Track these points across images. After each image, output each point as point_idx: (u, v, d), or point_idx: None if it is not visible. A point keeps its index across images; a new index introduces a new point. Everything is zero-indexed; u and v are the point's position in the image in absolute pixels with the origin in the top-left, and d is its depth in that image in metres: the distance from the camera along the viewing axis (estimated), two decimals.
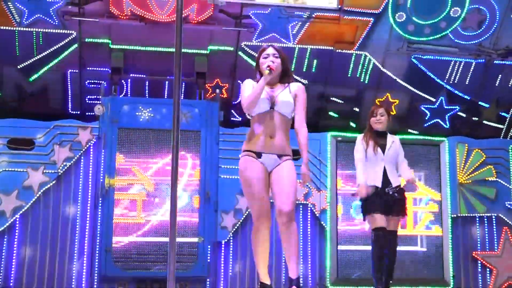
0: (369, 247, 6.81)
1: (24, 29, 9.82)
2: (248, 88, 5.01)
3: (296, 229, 4.91)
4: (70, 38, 10.02)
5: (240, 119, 10.75)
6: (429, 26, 10.65)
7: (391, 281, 6.74)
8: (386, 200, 6.72)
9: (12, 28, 9.79)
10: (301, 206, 9.64)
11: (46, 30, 9.88)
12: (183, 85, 10.39)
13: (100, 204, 8.99)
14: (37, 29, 9.86)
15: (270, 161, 4.87)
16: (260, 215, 4.86)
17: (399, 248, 7.07)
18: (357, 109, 11.12)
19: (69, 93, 10.40)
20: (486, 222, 10.32)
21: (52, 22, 9.80)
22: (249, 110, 4.94)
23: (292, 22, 10.33)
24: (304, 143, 5.03)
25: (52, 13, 9.77)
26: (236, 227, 9.46)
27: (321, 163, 9.87)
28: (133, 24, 9.96)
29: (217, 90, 9.92)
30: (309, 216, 9.72)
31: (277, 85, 5.03)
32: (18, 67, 10.06)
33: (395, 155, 6.92)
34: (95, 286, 8.92)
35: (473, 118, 11.43)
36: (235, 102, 10.81)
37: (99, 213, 8.98)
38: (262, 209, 4.85)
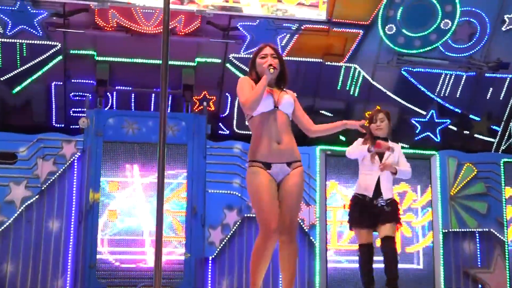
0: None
1: (8, 40, 9.80)
2: (247, 86, 4.86)
3: (296, 249, 4.81)
4: (54, 49, 10.00)
5: (227, 132, 10.75)
6: (419, 39, 10.72)
7: (396, 280, 6.42)
8: (374, 213, 6.46)
9: None
10: None
11: (30, 42, 9.87)
12: (170, 97, 10.39)
13: (84, 219, 8.94)
14: (21, 41, 9.85)
15: (280, 171, 4.78)
16: (268, 231, 4.65)
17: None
18: None
19: (53, 105, 10.37)
20: (477, 237, 10.34)
21: (36, 33, 9.78)
22: (252, 109, 4.76)
23: (281, 34, 10.37)
24: (327, 124, 5.25)
25: (36, 24, 9.76)
26: (223, 243, 9.43)
27: (310, 177, 9.87)
28: (119, 36, 9.96)
29: (205, 103, 9.92)
30: (297, 232, 9.68)
31: (274, 87, 4.98)
32: (1, 79, 10.02)
33: (394, 163, 6.61)
34: None
35: (464, 132, 11.49)
36: (223, 115, 10.81)
37: (83, 228, 8.93)
38: (271, 223, 4.65)
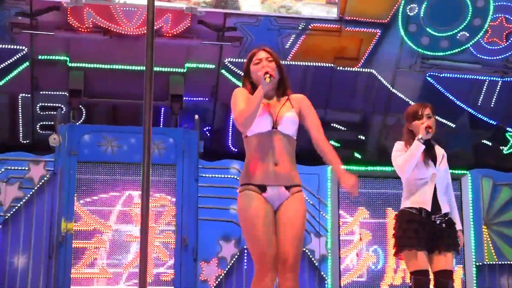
0: None
1: None
2: (241, 99, 4.81)
3: (298, 286, 4.80)
4: (20, 54, 10.03)
5: (223, 150, 10.75)
6: (447, 39, 10.75)
7: None
8: (432, 232, 5.97)
9: None
10: None
11: None
12: (155, 110, 10.40)
13: (55, 254, 8.92)
14: None
15: (277, 195, 4.73)
16: (265, 264, 4.63)
17: None
18: (362, 137, 11.17)
19: (19, 120, 10.37)
20: None
21: None
22: (246, 126, 4.71)
23: (284, 35, 10.40)
24: (333, 154, 5.03)
25: None
26: (219, 280, 9.41)
27: (321, 202, 9.86)
28: (95, 38, 9.99)
29: (196, 116, 9.93)
30: (306, 266, 9.69)
31: (273, 98, 4.94)
32: None
33: (446, 172, 6.13)
34: None
35: (500, 147, 11.49)
36: (218, 130, 10.81)
37: (54, 265, 8.91)
38: (267, 256, 4.61)
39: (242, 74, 5.04)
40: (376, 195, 10.23)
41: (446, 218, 5.99)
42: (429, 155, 6.05)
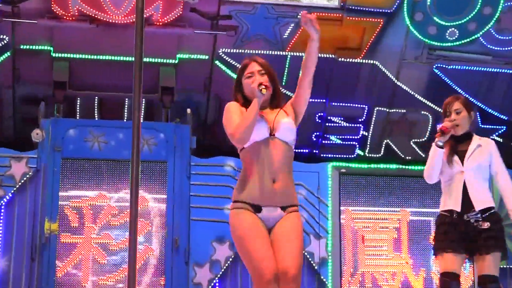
0: None
1: None
2: (235, 113, 4.85)
3: None
4: (1, 44, 10.03)
5: (217, 146, 10.75)
6: (455, 28, 10.76)
7: None
8: (465, 233, 5.94)
9: None
10: None
11: None
12: (145, 103, 10.41)
13: (38, 256, 8.94)
14: None
15: (272, 216, 4.75)
16: (265, 279, 4.60)
17: None
18: (365, 133, 11.19)
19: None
20: None
21: None
22: (243, 141, 4.75)
23: (282, 24, 10.41)
24: None
25: None
26: (213, 284, 9.44)
27: (321, 202, 9.89)
28: (81, 27, 9.99)
29: (188, 110, 9.94)
30: (305, 269, 9.71)
31: (267, 108, 4.96)
32: None
33: (483, 164, 6.08)
34: None
35: None
36: (211, 125, 10.82)
37: (37, 268, 8.92)
38: (267, 273, 4.58)
39: (233, 88, 5.04)
40: (379, 195, 10.25)
41: (486, 215, 5.94)
42: (454, 153, 6.06)
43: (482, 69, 11.19)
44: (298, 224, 4.76)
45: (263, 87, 4.75)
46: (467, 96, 11.04)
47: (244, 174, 4.81)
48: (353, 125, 11.09)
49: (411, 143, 11.13)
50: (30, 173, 9.20)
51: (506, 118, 11.47)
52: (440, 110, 10.84)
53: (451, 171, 6.02)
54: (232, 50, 10.42)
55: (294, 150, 4.89)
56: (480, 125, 11.30)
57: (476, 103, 11.29)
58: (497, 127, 11.48)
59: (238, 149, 4.89)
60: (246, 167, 4.81)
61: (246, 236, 4.67)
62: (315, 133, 11.03)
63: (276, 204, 4.74)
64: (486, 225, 5.89)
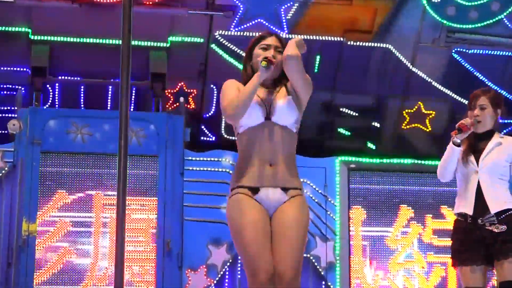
0: None
1: None
2: (232, 90, 4.83)
3: None
4: None
5: (213, 138, 10.74)
6: (476, 9, 10.74)
7: None
8: (480, 239, 5.92)
9: None
10: None
11: None
12: (134, 91, 10.39)
13: (15, 261, 8.92)
14: None
15: (272, 198, 4.69)
16: (259, 278, 4.61)
17: None
18: (377, 124, 11.16)
19: None
20: None
21: None
22: (236, 117, 4.74)
23: (286, 4, 10.38)
24: None
25: None
26: None
27: (328, 200, 9.86)
28: (62, 7, 9.96)
29: (181, 99, 9.91)
30: (310, 274, 9.70)
31: (269, 88, 4.92)
32: None
33: (500, 163, 6.05)
34: None
35: None
36: (207, 115, 10.80)
37: (14, 273, 8.90)
38: (262, 269, 4.60)
39: (244, 55, 5.00)
40: (392, 193, 10.22)
41: (502, 217, 5.91)
42: (471, 151, 6.06)
43: (506, 53, 11.17)
44: (302, 214, 4.74)
45: (267, 61, 4.69)
46: (488, 83, 11.05)
47: (239, 161, 4.83)
48: (363, 116, 11.06)
49: (428, 136, 11.10)
50: (6, 169, 9.17)
51: None
52: (459, 99, 10.97)
53: (466, 171, 6.03)
54: (230, 33, 10.39)
55: (298, 142, 4.85)
56: (499, 121, 11.26)
57: (499, 91, 11.25)
58: None
59: (235, 133, 4.88)
60: (241, 154, 4.83)
61: (242, 227, 4.66)
62: (322, 125, 11.01)
63: (276, 185, 4.73)
64: (502, 228, 5.86)
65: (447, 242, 6.59)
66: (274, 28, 10.31)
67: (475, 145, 6.07)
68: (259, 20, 10.31)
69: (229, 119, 4.82)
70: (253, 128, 4.77)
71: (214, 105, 10.74)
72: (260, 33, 4.98)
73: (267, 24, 10.31)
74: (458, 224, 6.01)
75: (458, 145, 5.96)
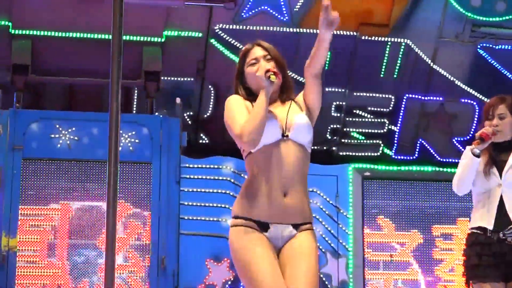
0: None
1: None
2: (239, 110, 4.79)
3: None
4: None
5: (213, 143, 10.74)
6: (504, 0, 10.74)
7: None
8: (500, 254, 6.02)
9: None
10: None
11: None
12: (125, 91, 10.39)
13: None
14: None
15: (281, 235, 4.73)
16: None
17: None
18: (394, 128, 11.16)
19: None
20: None
21: None
22: (254, 143, 4.67)
23: None
24: None
25: None
26: None
27: (340, 212, 9.86)
28: None
29: (178, 99, 9.92)
30: None
31: (277, 101, 4.91)
32: None
33: None
34: None
35: None
36: (206, 117, 10.81)
37: None
38: None
39: (233, 80, 4.96)
40: (412, 204, 10.22)
41: None
42: (492, 162, 6.17)
43: None
44: (312, 242, 4.75)
45: (272, 73, 4.69)
46: None
47: (249, 185, 4.78)
48: (379, 118, 11.07)
49: (451, 141, 11.09)
50: None
51: None
52: (484, 99, 10.97)
53: (487, 184, 6.13)
54: (231, 26, 10.41)
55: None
56: None
57: None
58: None
59: (243, 153, 4.83)
60: (252, 176, 4.78)
61: (251, 259, 4.64)
62: (333, 128, 11.01)
63: (287, 221, 4.73)
64: None
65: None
66: (280, 21, 10.32)
67: (496, 157, 6.19)
68: (262, 12, 10.30)
69: (247, 147, 4.70)
70: (268, 146, 4.74)
71: (213, 106, 10.73)
72: (242, 50, 4.94)
73: (271, 16, 10.32)
74: (475, 238, 6.09)
75: (478, 156, 6.05)
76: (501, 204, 6.06)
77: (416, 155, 11.08)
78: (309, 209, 4.82)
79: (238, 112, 4.77)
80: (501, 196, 6.08)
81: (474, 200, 6.26)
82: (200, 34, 10.49)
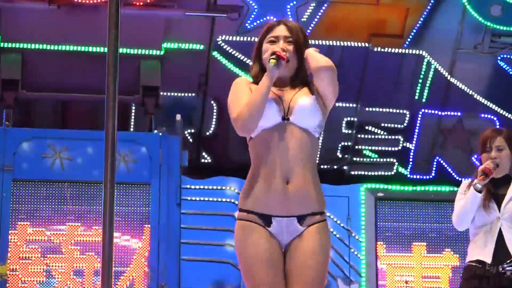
0: None
1: None
2: (242, 93, 4.82)
3: None
4: None
5: (215, 163, 10.74)
6: None
7: None
8: (500, 287, 6.24)
9: None
10: None
11: None
12: (122, 108, 10.41)
13: None
14: None
15: (285, 229, 4.73)
16: None
17: None
18: (409, 145, 11.17)
19: None
20: None
21: None
22: (248, 130, 4.72)
23: (300, 3, 10.42)
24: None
25: None
26: None
27: (351, 235, 9.86)
28: (38, 8, 10.00)
29: (178, 116, 9.94)
30: None
31: (287, 86, 4.91)
32: None
33: None
34: None
35: None
36: (208, 135, 10.81)
37: None
38: None
39: (253, 53, 5.00)
40: (428, 227, 10.22)
41: None
42: (492, 196, 6.37)
43: None
44: (322, 245, 4.72)
45: (274, 57, 4.69)
46: None
47: (251, 173, 4.78)
48: (393, 134, 11.07)
49: (470, 158, 11.09)
50: None
51: None
52: (506, 115, 10.97)
53: (485, 218, 6.35)
54: (235, 38, 10.43)
55: (317, 166, 4.84)
56: None
57: None
58: None
59: (247, 139, 4.84)
60: (253, 164, 4.79)
61: (251, 261, 4.67)
62: (344, 146, 11.01)
63: (291, 213, 4.71)
64: None
65: None
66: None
67: (494, 191, 6.40)
68: (269, 17, 10.30)
69: (240, 132, 4.73)
70: (268, 130, 4.74)
71: (216, 123, 10.74)
72: (267, 25, 4.97)
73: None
74: (473, 271, 6.28)
75: (480, 192, 6.24)
76: (500, 238, 6.27)
77: (433, 174, 11.09)
78: (316, 197, 4.77)
79: (239, 95, 4.82)
80: (500, 230, 6.29)
81: (471, 234, 6.46)
82: (202, 47, 10.50)
